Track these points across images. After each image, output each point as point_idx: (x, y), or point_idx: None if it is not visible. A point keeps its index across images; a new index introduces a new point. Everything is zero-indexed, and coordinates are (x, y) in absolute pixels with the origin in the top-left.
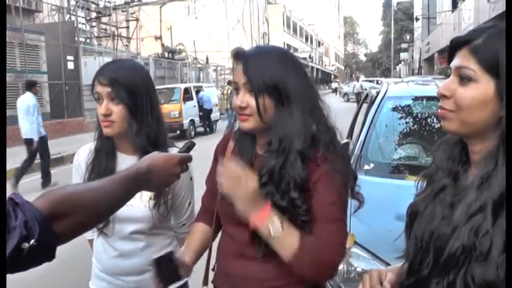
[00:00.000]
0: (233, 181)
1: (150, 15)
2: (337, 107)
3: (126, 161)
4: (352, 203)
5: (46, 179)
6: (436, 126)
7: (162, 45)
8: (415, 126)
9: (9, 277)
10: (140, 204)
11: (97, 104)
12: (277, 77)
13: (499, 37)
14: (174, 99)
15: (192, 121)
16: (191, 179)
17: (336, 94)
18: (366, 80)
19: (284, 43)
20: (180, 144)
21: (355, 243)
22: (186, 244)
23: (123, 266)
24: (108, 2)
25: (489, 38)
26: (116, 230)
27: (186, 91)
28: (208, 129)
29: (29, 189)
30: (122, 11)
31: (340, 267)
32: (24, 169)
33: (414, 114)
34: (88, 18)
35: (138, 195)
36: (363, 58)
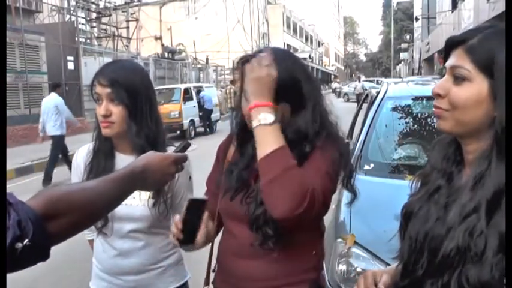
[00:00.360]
0: (259, 65)
1: (150, 16)
2: (337, 107)
3: (124, 161)
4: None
5: (46, 178)
6: (436, 126)
7: (162, 45)
8: (415, 126)
9: (9, 277)
10: (139, 203)
11: (96, 104)
12: (292, 81)
13: (494, 37)
14: (174, 100)
15: (192, 121)
16: (190, 178)
17: (337, 96)
18: (366, 80)
19: (284, 43)
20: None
21: (355, 243)
22: None
23: (122, 265)
24: (108, 2)
25: (484, 38)
26: (115, 229)
27: (186, 91)
28: (208, 129)
29: (29, 189)
30: (122, 12)
31: (340, 267)
32: (53, 165)
33: (414, 114)
34: (88, 18)
35: (137, 194)
36: (363, 58)
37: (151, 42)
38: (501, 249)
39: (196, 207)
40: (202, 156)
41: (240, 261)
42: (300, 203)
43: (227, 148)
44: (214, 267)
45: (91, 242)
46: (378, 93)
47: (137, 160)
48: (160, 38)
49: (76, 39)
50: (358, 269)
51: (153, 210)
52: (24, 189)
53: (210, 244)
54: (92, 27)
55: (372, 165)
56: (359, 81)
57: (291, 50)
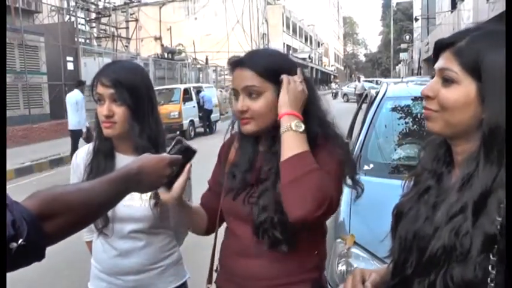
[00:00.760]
0: (298, 80)
1: (149, 16)
2: (337, 107)
3: (125, 162)
4: (352, 202)
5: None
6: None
7: (162, 45)
8: (415, 126)
9: (9, 277)
10: (140, 203)
11: (97, 104)
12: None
13: (481, 40)
14: (174, 100)
15: (191, 121)
16: (189, 178)
17: (333, 97)
18: (365, 80)
19: (284, 43)
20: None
21: (355, 243)
22: None
23: (122, 265)
24: (108, 2)
25: (472, 41)
26: (115, 230)
27: (186, 92)
28: (208, 129)
29: (29, 189)
30: (122, 12)
31: (340, 267)
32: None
33: (414, 115)
34: (87, 19)
35: (137, 195)
36: (362, 58)
37: (150, 43)
38: (485, 249)
39: (183, 154)
40: (202, 156)
41: (243, 260)
42: (320, 205)
43: (229, 148)
44: (217, 267)
45: (89, 243)
46: (377, 93)
47: (132, 162)
48: (159, 38)
49: (76, 39)
50: None
51: (154, 211)
52: (24, 190)
53: (213, 243)
54: (91, 27)
55: (371, 165)
56: (359, 81)
57: (291, 50)
